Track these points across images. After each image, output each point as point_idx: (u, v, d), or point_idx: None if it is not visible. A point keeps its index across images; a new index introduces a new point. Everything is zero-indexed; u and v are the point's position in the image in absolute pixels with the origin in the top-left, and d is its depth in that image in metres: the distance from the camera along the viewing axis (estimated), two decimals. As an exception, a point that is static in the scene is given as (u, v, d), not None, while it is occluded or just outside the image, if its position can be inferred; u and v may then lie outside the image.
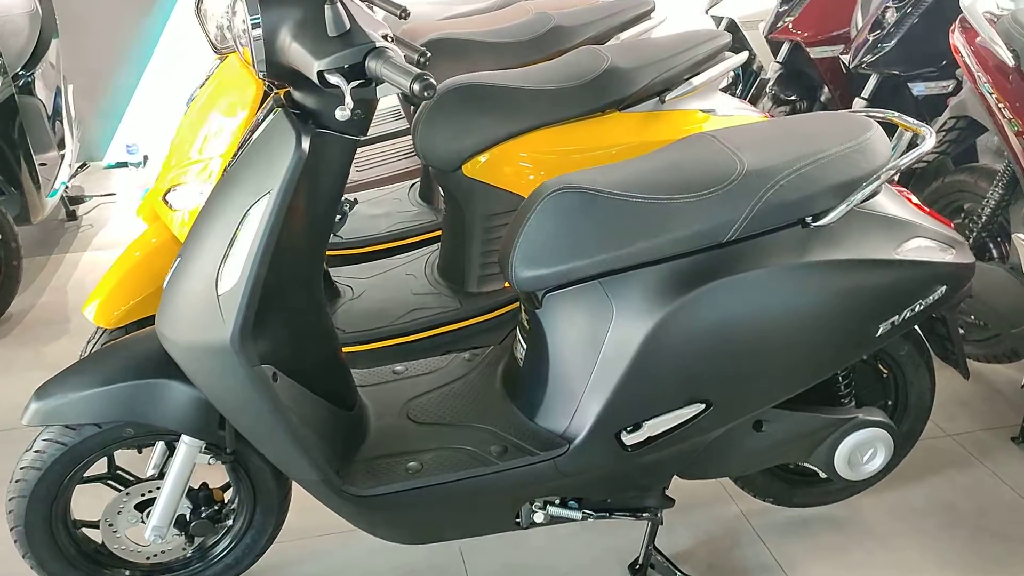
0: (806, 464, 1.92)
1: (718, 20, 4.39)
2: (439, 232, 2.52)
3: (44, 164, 3.52)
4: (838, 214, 1.65)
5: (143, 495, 1.75)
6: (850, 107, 3.37)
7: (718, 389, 1.67)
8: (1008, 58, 2.31)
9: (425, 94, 1.27)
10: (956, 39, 2.52)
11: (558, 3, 3.03)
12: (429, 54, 2.23)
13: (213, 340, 1.48)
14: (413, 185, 3.03)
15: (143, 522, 1.74)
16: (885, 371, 2.00)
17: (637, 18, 2.91)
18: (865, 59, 3.13)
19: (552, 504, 1.75)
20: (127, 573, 1.82)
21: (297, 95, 1.50)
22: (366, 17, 1.45)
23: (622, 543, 2.01)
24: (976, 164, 2.74)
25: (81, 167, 4.07)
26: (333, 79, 1.36)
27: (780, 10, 3.75)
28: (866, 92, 3.19)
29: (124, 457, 1.79)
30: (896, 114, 1.85)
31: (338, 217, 1.67)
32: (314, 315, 1.68)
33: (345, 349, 2.21)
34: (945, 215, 2.77)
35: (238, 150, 1.56)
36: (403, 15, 2.66)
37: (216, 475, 1.83)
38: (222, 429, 1.64)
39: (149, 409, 1.61)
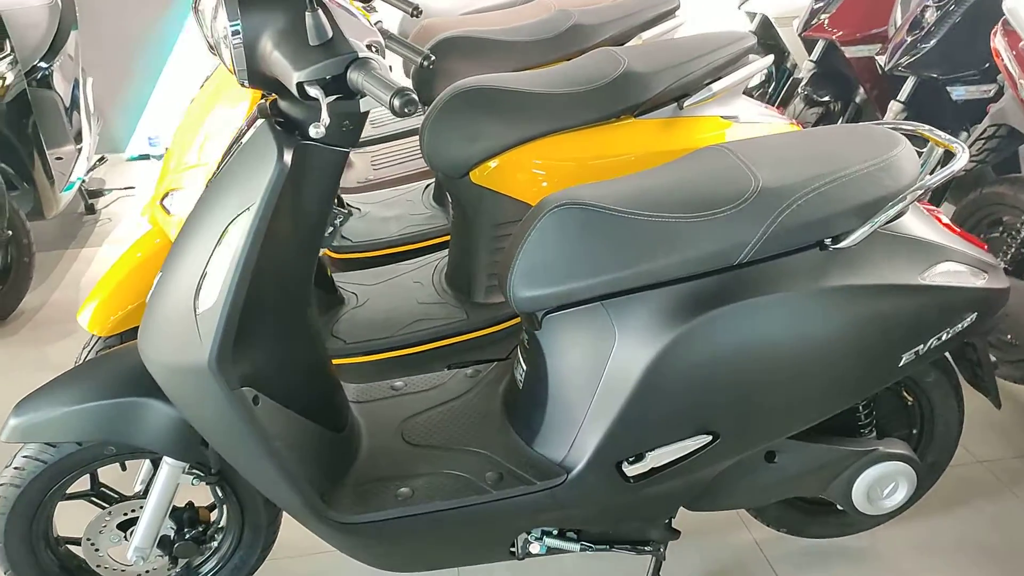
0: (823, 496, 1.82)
1: (752, 16, 4.26)
2: (450, 238, 2.43)
3: (60, 158, 3.51)
4: (859, 236, 1.54)
5: (126, 514, 1.69)
6: (886, 110, 3.22)
7: (726, 421, 1.57)
8: (1052, 64, 2.17)
9: (406, 110, 1.18)
10: (997, 42, 2.38)
11: (580, 0, 2.93)
12: (433, 57, 2.16)
13: (191, 361, 1.41)
14: (428, 186, 2.95)
15: (127, 540, 1.69)
16: (910, 398, 1.88)
17: (660, 17, 2.79)
18: (902, 60, 2.99)
19: (549, 535, 1.67)
20: (112, 592, 1.77)
21: (283, 104, 1.42)
22: (354, 24, 1.36)
23: (629, 568, 1.92)
24: (1017, 175, 2.60)
25: (99, 161, 4.05)
26: (312, 91, 1.27)
27: (815, 7, 3.61)
28: (902, 95, 3.04)
29: (111, 473, 1.74)
30: (927, 128, 1.73)
31: (329, 230, 1.59)
32: (302, 334, 1.60)
33: (346, 360, 2.16)
34: (982, 228, 2.64)
35: (222, 161, 1.49)
36: (415, 13, 2.58)
37: (203, 494, 1.77)
38: (207, 447, 1.57)
39: (130, 428, 1.55)
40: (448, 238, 2.54)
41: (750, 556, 2.02)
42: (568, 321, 1.57)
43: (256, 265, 1.40)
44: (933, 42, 2.93)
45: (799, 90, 3.61)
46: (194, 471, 1.63)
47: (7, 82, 3.02)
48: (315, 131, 1.27)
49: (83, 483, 1.71)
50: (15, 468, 1.60)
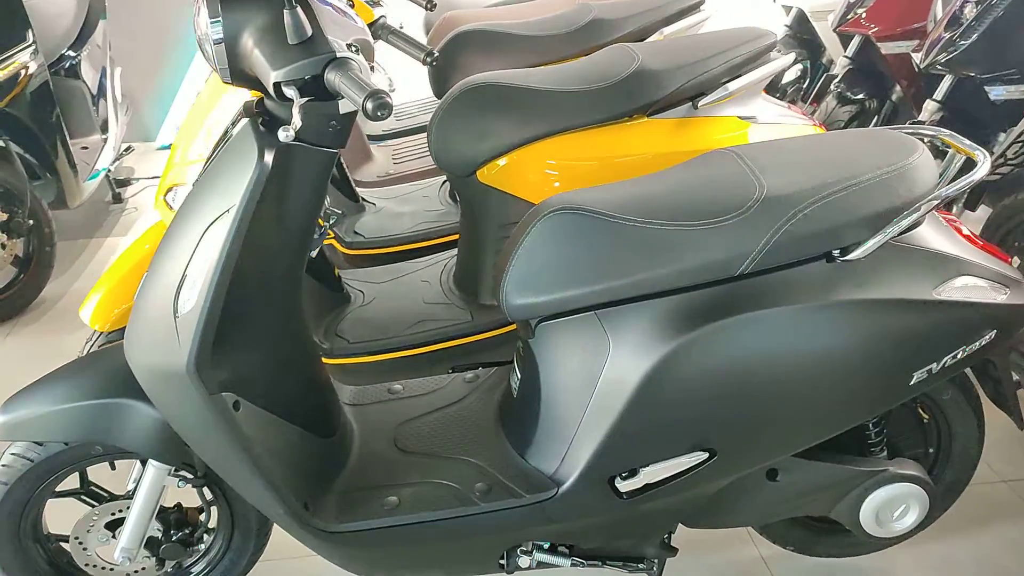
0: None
1: (788, 9, 4.14)
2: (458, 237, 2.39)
3: (86, 148, 3.53)
4: (869, 248, 1.46)
5: (113, 514, 1.68)
6: (923, 109, 3.10)
7: (724, 438, 1.51)
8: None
9: (379, 113, 1.14)
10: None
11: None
12: (437, 54, 2.11)
13: (170, 365, 1.39)
14: (445, 182, 2.91)
15: (115, 539, 1.68)
16: (926, 416, 1.80)
17: (684, 11, 2.70)
18: (939, 58, 2.86)
19: (540, 549, 1.62)
20: (101, 590, 1.76)
21: (268, 103, 1.39)
22: (339, 22, 1.32)
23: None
24: (1056, 180, 2.48)
25: (126, 151, 4.07)
26: (289, 92, 1.23)
27: (851, 0, 3.48)
28: (939, 94, 2.91)
29: (104, 471, 1.73)
30: (948, 133, 1.64)
31: (317, 234, 1.55)
32: (290, 339, 1.57)
33: (348, 361, 2.13)
34: (1019, 233, 2.52)
35: (207, 161, 1.46)
36: (429, 6, 2.54)
37: (192, 495, 1.75)
38: None
39: (114, 429, 1.53)
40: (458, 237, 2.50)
41: (756, 572, 1.95)
42: (562, 330, 1.52)
43: (238, 268, 1.36)
44: (972, 39, 2.80)
45: (831, 88, 3.49)
46: (180, 474, 1.61)
47: (30, 71, 3.03)
48: (284, 135, 1.24)
49: (74, 481, 1.70)
50: (2, 466, 1.59)
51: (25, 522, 1.65)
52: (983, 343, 1.56)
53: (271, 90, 1.26)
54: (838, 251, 1.47)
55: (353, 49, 1.27)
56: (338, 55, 1.24)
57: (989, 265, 1.59)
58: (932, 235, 1.57)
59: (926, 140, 1.67)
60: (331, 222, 1.62)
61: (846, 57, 3.52)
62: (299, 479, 1.55)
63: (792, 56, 2.33)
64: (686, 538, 1.90)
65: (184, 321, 1.37)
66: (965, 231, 1.65)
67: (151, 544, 1.70)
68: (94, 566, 1.72)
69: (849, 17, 3.44)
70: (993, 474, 2.21)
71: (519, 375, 1.65)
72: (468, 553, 1.63)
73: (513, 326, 2.18)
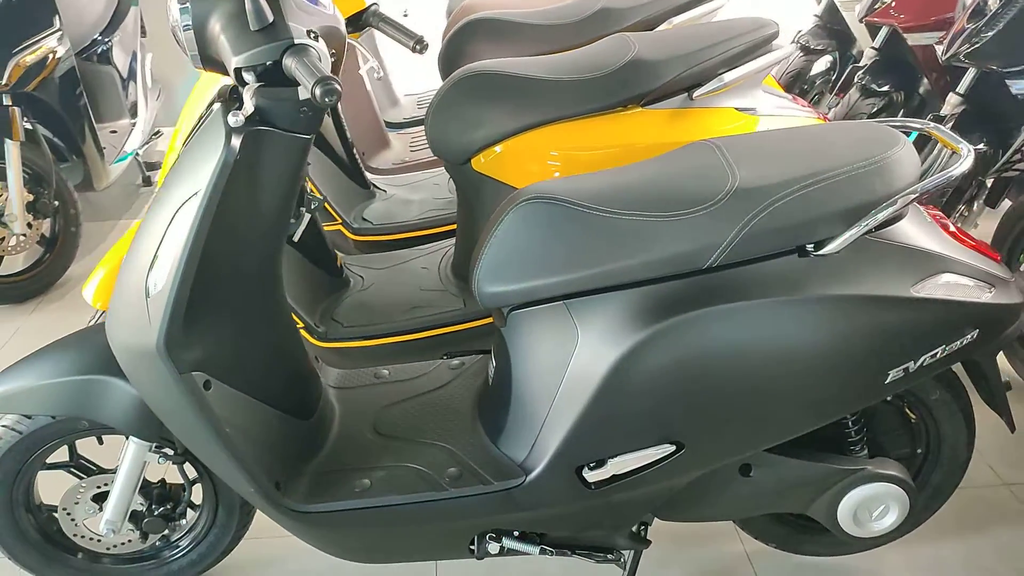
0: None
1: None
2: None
3: (115, 131, 3.61)
4: (843, 242, 1.43)
5: (99, 487, 1.73)
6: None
7: (692, 431, 1.50)
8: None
9: (326, 99, 1.15)
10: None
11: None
12: (427, 43, 2.12)
13: (142, 344, 1.42)
14: (455, 170, 2.92)
15: (101, 511, 1.73)
16: (913, 416, 1.76)
17: (693, 1, 2.67)
18: (961, 50, 2.78)
19: (509, 536, 1.63)
20: (89, 559, 1.81)
21: (240, 88, 1.41)
22: (306, 8, 1.34)
23: (612, 569, 1.87)
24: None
25: (155, 135, 4.16)
26: (248, 77, 1.26)
27: (879, -10, 3.40)
28: (961, 87, 2.83)
29: (96, 445, 1.78)
30: (933, 125, 1.60)
31: (294, 218, 1.57)
32: (267, 321, 1.60)
33: (342, 345, 2.16)
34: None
35: (183, 144, 1.49)
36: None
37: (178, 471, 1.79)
38: None
39: (97, 405, 1.58)
40: (460, 225, 2.51)
41: (739, 569, 1.93)
42: (532, 319, 1.52)
43: (207, 251, 1.39)
44: (995, 30, 2.71)
45: (855, 79, 3.42)
46: (162, 451, 1.65)
47: (57, 56, 3.12)
48: (233, 120, 1.26)
49: (64, 454, 1.76)
50: (-7, 437, 1.65)
51: (16, 492, 1.71)
52: (965, 343, 1.53)
53: (232, 75, 1.28)
54: (811, 245, 1.45)
55: (312, 35, 1.29)
56: (296, 41, 1.26)
57: (975, 263, 1.55)
58: (914, 231, 1.54)
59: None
60: (312, 207, 1.64)
61: (873, 48, 3.44)
62: (272, 459, 1.58)
63: (791, 47, 2.29)
64: (669, 531, 1.90)
65: (154, 301, 1.41)
66: (952, 228, 1.61)
67: (135, 518, 1.75)
68: (81, 536, 1.78)
69: (876, 7, 3.36)
70: (995, 477, 2.16)
71: (494, 363, 1.66)
72: (437, 537, 1.65)
73: (504, 314, 2.19)
